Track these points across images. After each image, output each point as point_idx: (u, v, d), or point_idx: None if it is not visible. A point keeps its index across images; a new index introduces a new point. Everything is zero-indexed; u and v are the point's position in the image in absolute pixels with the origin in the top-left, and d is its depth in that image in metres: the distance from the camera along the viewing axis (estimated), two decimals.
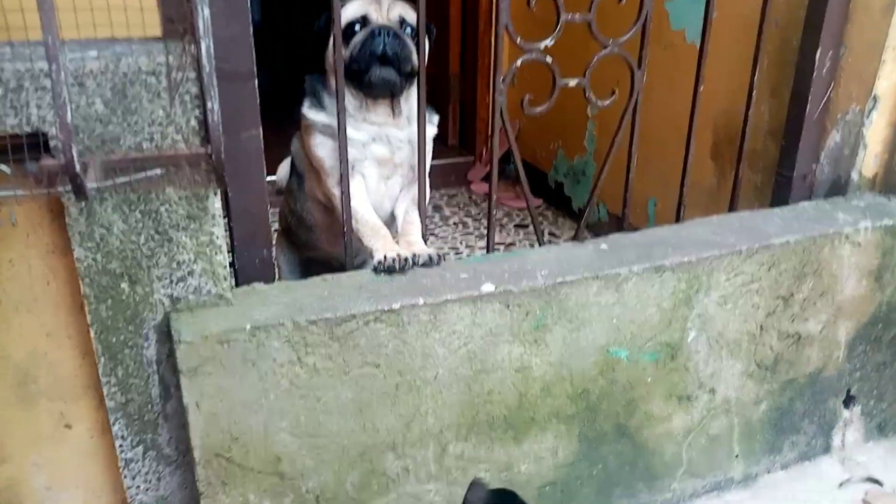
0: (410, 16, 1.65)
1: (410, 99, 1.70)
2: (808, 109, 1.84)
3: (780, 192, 1.96)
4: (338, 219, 1.65)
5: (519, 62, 1.54)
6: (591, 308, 1.49)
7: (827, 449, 1.97)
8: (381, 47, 1.57)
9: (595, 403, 1.58)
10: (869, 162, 1.86)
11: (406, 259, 1.47)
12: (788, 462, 1.92)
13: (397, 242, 1.60)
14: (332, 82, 1.55)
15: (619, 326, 1.53)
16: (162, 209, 1.23)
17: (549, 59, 1.55)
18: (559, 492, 1.63)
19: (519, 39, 1.50)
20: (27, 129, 1.10)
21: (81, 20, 1.10)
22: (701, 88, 1.74)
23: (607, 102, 1.65)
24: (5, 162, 1.09)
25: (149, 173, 1.13)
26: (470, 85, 3.99)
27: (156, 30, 1.24)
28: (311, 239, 1.96)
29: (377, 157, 1.70)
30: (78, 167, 0.95)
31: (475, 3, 3.76)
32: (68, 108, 0.91)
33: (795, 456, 1.92)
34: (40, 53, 1.11)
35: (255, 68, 1.30)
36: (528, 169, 3.87)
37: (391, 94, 1.65)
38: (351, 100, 1.64)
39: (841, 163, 1.89)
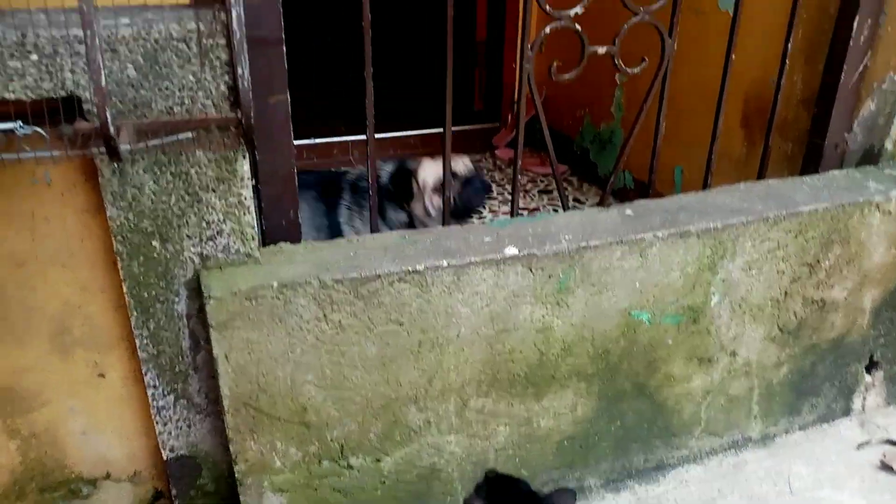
0: (469, 164, 2.45)
1: None
2: (842, 77, 1.80)
3: (810, 161, 1.93)
4: None
5: (548, 29, 1.52)
6: (615, 272, 1.50)
7: (847, 412, 1.97)
8: (476, 191, 2.42)
9: (615, 363, 1.60)
10: None
11: None
12: (807, 423, 1.92)
13: None
14: (427, 221, 2.36)
15: (641, 290, 1.54)
16: (192, 171, 1.26)
17: (577, 27, 1.53)
18: (578, 446, 1.66)
19: (548, 7, 1.49)
20: (62, 94, 1.12)
21: None
22: (732, 58, 1.70)
23: (636, 70, 1.63)
24: (41, 125, 1.12)
25: (180, 136, 1.16)
26: (497, 51, 3.95)
27: None
28: None
29: None
30: (112, 129, 0.97)
31: None
32: (102, 74, 0.93)
33: (815, 418, 1.93)
34: (74, 20, 1.13)
35: (283, 34, 1.31)
36: (554, 135, 3.82)
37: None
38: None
39: (875, 132, 1.85)
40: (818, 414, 1.93)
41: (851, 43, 1.78)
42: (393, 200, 2.36)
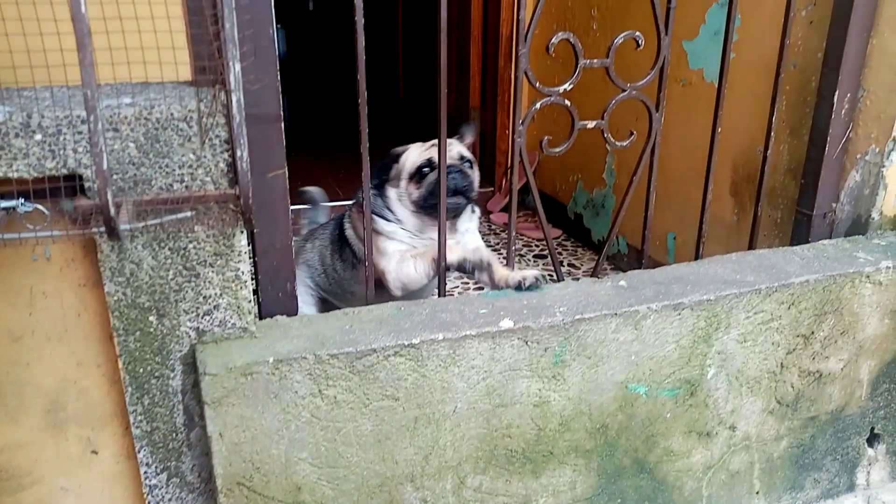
0: (465, 152, 1.98)
1: (465, 217, 2.00)
2: (827, 149, 1.85)
3: (799, 230, 1.96)
4: (384, 291, 1.90)
5: (538, 105, 1.57)
6: (610, 345, 1.50)
7: (851, 487, 1.94)
8: (454, 183, 1.85)
9: (614, 438, 1.58)
10: (890, 201, 1.86)
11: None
12: (811, 499, 1.89)
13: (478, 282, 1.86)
14: (395, 205, 1.96)
15: (637, 363, 1.54)
16: (190, 246, 1.27)
17: (567, 103, 1.58)
18: None
19: (538, 84, 1.54)
20: (64, 172, 1.15)
21: (117, 60, 1.15)
22: (719, 130, 1.75)
23: (625, 143, 1.68)
24: (42, 202, 1.14)
25: (179, 216, 1.18)
26: (490, 118, 4.05)
27: (187, 72, 1.30)
28: (340, 296, 2.18)
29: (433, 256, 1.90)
30: (112, 211, 0.99)
31: (495, 40, 3.83)
32: (104, 157, 0.96)
33: (818, 493, 1.90)
34: (78, 100, 1.17)
35: (281, 111, 1.35)
36: (548, 200, 3.94)
37: (454, 216, 1.93)
38: (415, 221, 1.95)
39: (861, 202, 1.89)
40: (822, 489, 1.90)
41: (833, 116, 1.83)
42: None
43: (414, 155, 1.96)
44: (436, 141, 1.85)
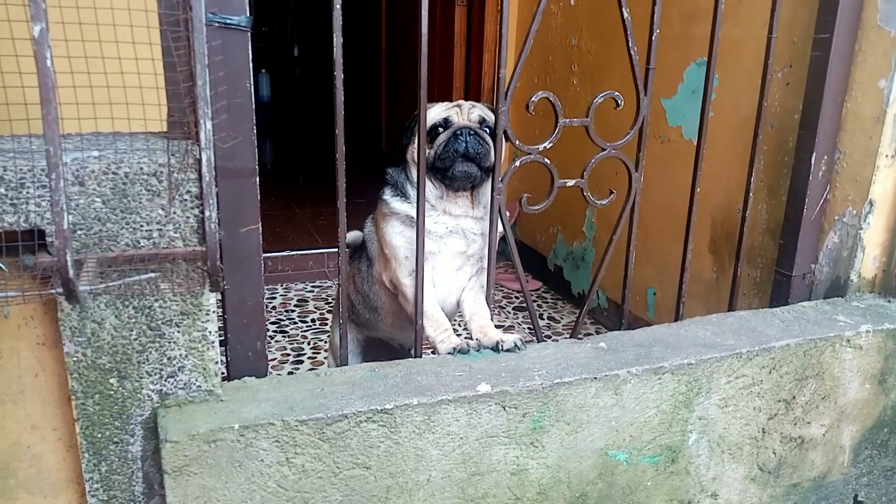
0: (490, 116, 1.76)
1: (485, 190, 1.77)
2: (805, 210, 1.86)
3: (779, 291, 1.95)
4: (405, 306, 1.79)
5: (518, 163, 1.56)
6: (590, 410, 1.46)
7: None
8: (464, 146, 1.70)
9: None
10: (868, 263, 1.86)
11: (480, 345, 1.60)
12: None
13: (466, 329, 1.73)
14: (414, 174, 1.69)
15: (618, 429, 1.50)
16: (156, 305, 1.22)
17: (546, 161, 1.57)
18: None
19: (517, 142, 1.53)
20: (25, 226, 1.10)
21: (84, 114, 1.12)
22: (698, 189, 1.75)
23: (605, 202, 1.67)
24: (0, 258, 1.09)
25: (142, 277, 1.13)
26: None
27: (159, 125, 1.27)
28: (375, 320, 2.01)
29: (453, 249, 1.76)
30: (72, 273, 0.95)
31: (478, 92, 3.87)
32: (66, 216, 0.92)
33: None
34: (42, 149, 1.13)
35: (256, 166, 1.32)
36: (529, 252, 3.93)
37: (471, 185, 1.75)
38: (433, 189, 1.75)
39: (840, 264, 1.89)
40: None
41: (811, 178, 1.85)
42: None
43: (434, 112, 1.78)
44: (460, 101, 1.79)
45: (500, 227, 1.66)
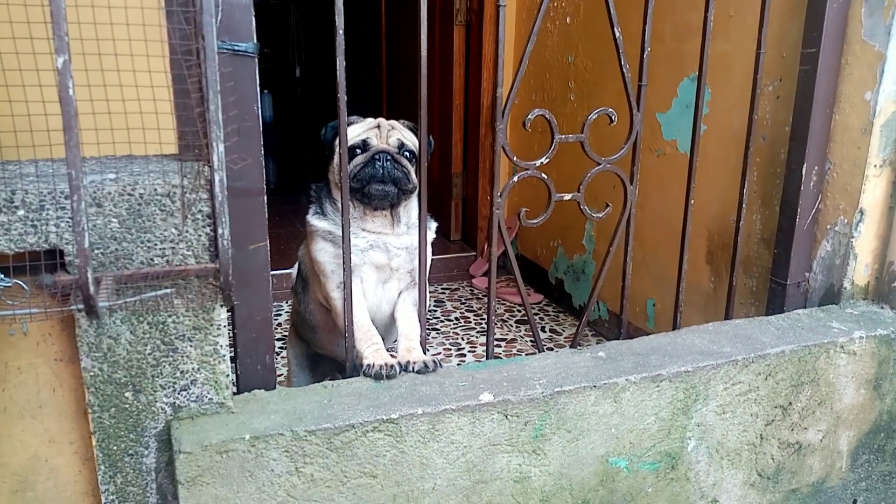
0: (409, 138, 1.78)
1: (409, 208, 1.80)
2: (798, 220, 1.90)
3: (774, 299, 1.99)
4: (337, 321, 1.75)
5: (516, 178, 1.61)
6: (590, 417, 1.50)
7: None
8: (381, 172, 1.70)
9: None
10: (860, 271, 1.90)
11: (393, 367, 1.52)
12: None
13: (397, 346, 1.66)
14: (335, 192, 1.74)
15: (618, 436, 1.54)
16: (169, 320, 1.27)
17: (543, 176, 1.62)
18: None
19: (515, 158, 1.58)
20: (45, 247, 1.15)
21: (102, 138, 1.17)
22: (692, 202, 1.80)
23: (601, 215, 1.71)
24: (21, 277, 1.14)
25: (158, 293, 1.18)
26: (472, 183, 4.12)
27: (172, 148, 1.32)
28: (314, 338, 2.05)
29: (375, 262, 1.77)
30: (92, 289, 0.99)
31: (476, 109, 3.93)
32: (86, 235, 0.97)
33: None
34: (63, 174, 1.18)
35: (264, 185, 1.37)
36: (529, 265, 3.98)
37: (390, 204, 1.75)
38: (351, 210, 1.69)
39: (833, 272, 1.93)
40: None
41: (803, 188, 1.89)
42: None
43: (354, 132, 1.75)
44: (381, 120, 1.78)
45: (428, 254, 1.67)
